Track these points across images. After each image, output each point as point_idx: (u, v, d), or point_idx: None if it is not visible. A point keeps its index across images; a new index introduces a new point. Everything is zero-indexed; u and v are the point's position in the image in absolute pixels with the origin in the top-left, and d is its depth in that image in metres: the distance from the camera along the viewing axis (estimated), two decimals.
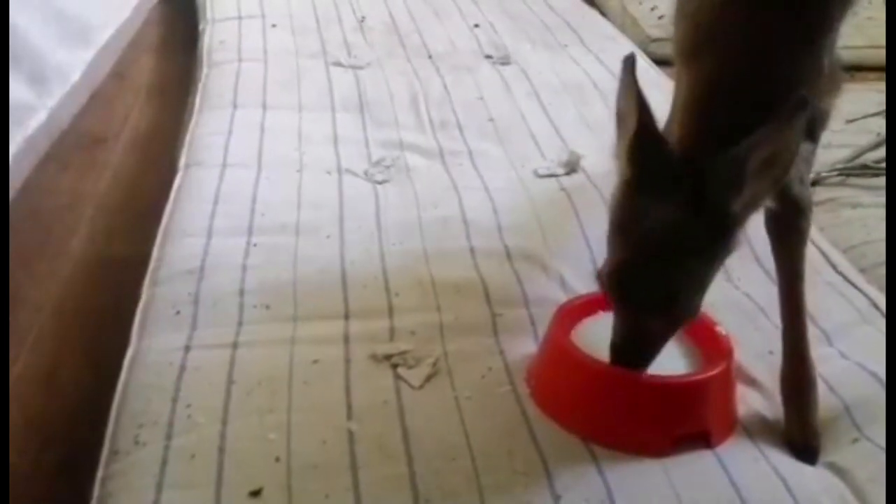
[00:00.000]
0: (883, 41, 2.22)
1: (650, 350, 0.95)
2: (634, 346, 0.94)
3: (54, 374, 1.25)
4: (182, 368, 1.06)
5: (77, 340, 1.32)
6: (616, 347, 0.95)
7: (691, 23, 0.99)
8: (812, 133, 0.99)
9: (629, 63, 0.92)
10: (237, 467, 0.93)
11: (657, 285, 0.89)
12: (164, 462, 0.93)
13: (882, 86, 2.05)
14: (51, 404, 1.20)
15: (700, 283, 0.92)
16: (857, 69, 2.09)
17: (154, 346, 1.10)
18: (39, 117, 1.50)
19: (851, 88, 1.92)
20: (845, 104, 1.78)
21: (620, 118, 0.93)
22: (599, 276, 0.94)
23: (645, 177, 0.90)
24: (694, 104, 0.94)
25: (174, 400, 1.01)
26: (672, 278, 0.89)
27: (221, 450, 0.94)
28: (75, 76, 1.67)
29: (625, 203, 0.92)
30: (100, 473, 0.94)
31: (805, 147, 0.98)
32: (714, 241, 0.89)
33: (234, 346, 1.11)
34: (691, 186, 0.87)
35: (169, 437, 0.96)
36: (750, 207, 0.89)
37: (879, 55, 2.17)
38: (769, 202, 0.91)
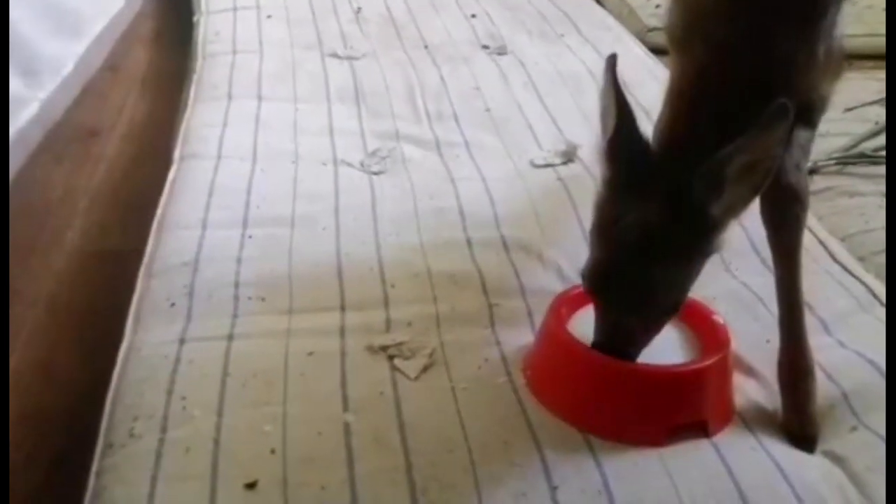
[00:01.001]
0: (881, 29, 2.22)
1: (630, 348, 0.95)
2: (614, 345, 0.95)
3: (49, 367, 1.25)
4: (177, 361, 1.05)
5: (71, 334, 1.32)
6: (597, 346, 0.96)
7: (682, 10, 0.99)
8: (810, 119, 0.98)
9: (611, 63, 0.92)
10: (232, 460, 0.92)
11: (633, 285, 0.89)
12: (159, 455, 0.92)
13: (880, 74, 2.04)
14: (45, 397, 1.20)
15: (678, 284, 0.92)
16: (856, 57, 2.09)
17: (149, 339, 1.10)
18: (31, 110, 1.49)
19: (849, 77, 1.91)
20: (844, 93, 1.78)
21: (604, 117, 0.94)
22: (582, 274, 0.95)
23: (624, 177, 0.90)
24: (683, 96, 0.94)
25: (169, 392, 1.00)
26: (648, 278, 0.89)
27: (216, 442, 0.94)
28: (67, 68, 1.66)
29: (604, 203, 0.92)
30: (94, 466, 0.93)
31: (802, 134, 0.98)
32: (692, 244, 0.90)
33: (230, 338, 1.10)
34: (671, 188, 0.87)
35: (164, 429, 0.96)
36: (730, 212, 0.89)
37: (877, 43, 2.16)
38: (751, 204, 0.91)
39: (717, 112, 0.90)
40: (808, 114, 0.98)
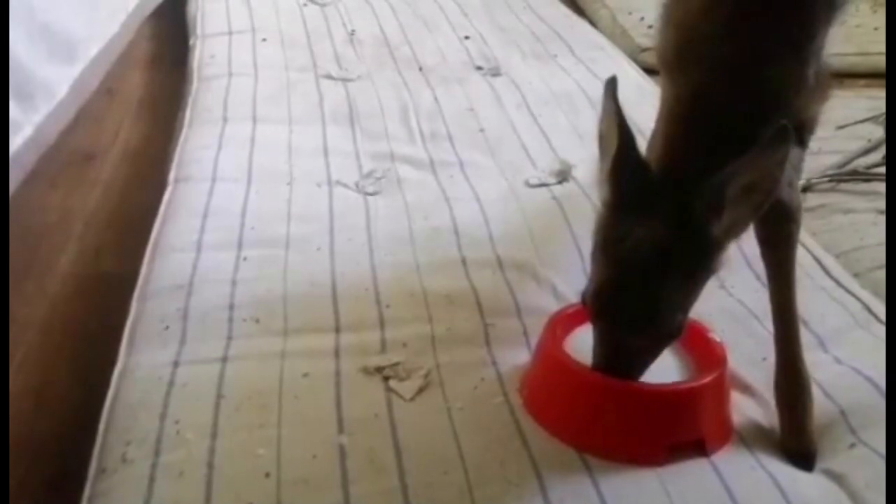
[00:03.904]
0: (870, 48, 2.25)
1: (633, 370, 0.95)
2: (617, 367, 0.94)
3: (42, 391, 1.24)
4: (171, 384, 1.05)
5: (65, 357, 1.31)
6: (599, 368, 0.95)
7: (674, 33, 0.99)
8: (801, 139, 0.99)
9: (611, 86, 0.93)
10: (226, 484, 0.91)
11: (639, 305, 0.89)
12: (152, 479, 0.91)
13: (871, 92, 2.06)
14: (39, 422, 1.19)
15: (681, 303, 0.92)
16: (847, 76, 2.11)
17: (142, 362, 1.09)
18: (25, 133, 1.49)
19: (841, 95, 1.94)
20: (835, 111, 1.81)
21: (602, 141, 0.94)
22: (583, 296, 0.94)
23: (626, 199, 0.90)
24: (678, 119, 0.94)
25: (162, 416, 1.00)
26: (653, 298, 0.89)
27: (210, 466, 0.93)
28: (62, 92, 1.66)
29: (607, 225, 0.92)
30: (87, 492, 0.92)
31: (794, 153, 0.98)
32: (695, 263, 0.90)
33: (224, 360, 1.09)
34: (673, 208, 0.88)
35: (157, 454, 0.95)
36: (731, 231, 0.89)
37: (868, 62, 2.20)
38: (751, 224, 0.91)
39: (714, 133, 0.91)
40: (799, 134, 0.98)
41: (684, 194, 0.87)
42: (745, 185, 0.85)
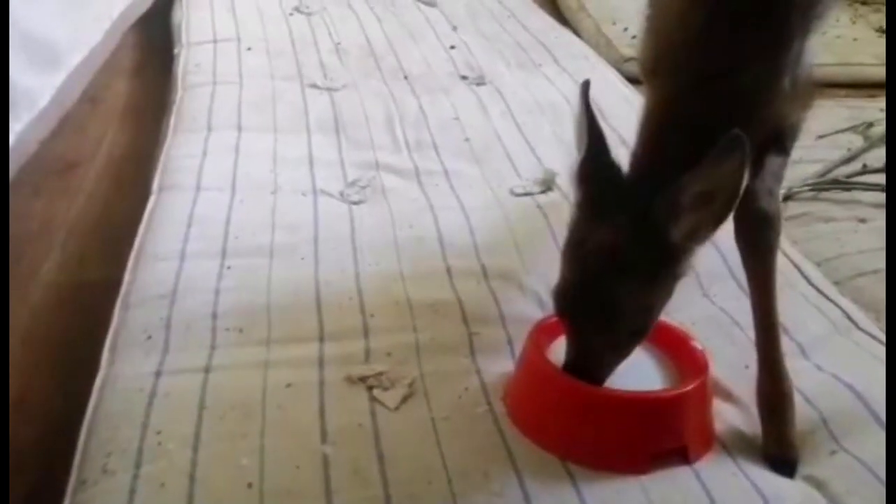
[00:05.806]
0: (851, 58, 2.29)
1: (598, 370, 0.96)
2: (584, 365, 0.95)
3: (23, 400, 1.23)
4: (153, 394, 1.04)
5: (46, 367, 1.30)
6: (568, 366, 0.96)
7: (653, 42, 1.01)
8: (782, 146, 1.00)
9: (584, 89, 0.95)
10: (208, 495, 0.91)
11: (597, 306, 0.91)
12: (133, 491, 0.91)
13: (851, 102, 2.09)
14: (19, 432, 1.17)
15: (643, 306, 0.93)
16: (827, 86, 2.13)
17: (124, 372, 1.08)
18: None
19: (821, 105, 1.96)
20: (816, 120, 1.83)
21: (579, 143, 0.96)
22: (551, 296, 0.96)
23: (594, 200, 0.93)
24: (653, 125, 0.96)
25: (144, 426, 0.99)
26: (612, 300, 0.91)
27: (192, 477, 0.92)
28: (44, 100, 1.65)
29: (574, 224, 0.95)
30: (66, 503, 0.91)
31: (775, 160, 1.00)
32: (654, 267, 0.91)
33: (207, 370, 1.09)
34: (632, 213, 0.89)
35: (138, 464, 0.94)
36: (693, 238, 0.91)
37: (848, 72, 2.23)
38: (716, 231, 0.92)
39: (685, 139, 0.92)
40: (780, 141, 1.00)
41: (648, 198, 0.89)
42: (701, 194, 0.86)
